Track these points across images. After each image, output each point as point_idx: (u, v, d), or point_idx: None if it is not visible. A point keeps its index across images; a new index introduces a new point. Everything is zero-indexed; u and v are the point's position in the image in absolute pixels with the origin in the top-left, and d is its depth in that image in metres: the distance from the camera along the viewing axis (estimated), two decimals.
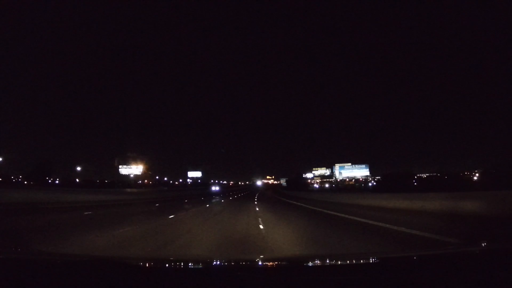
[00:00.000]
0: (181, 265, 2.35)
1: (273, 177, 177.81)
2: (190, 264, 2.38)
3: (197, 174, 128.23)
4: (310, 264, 2.35)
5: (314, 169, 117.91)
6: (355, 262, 2.43)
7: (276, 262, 2.46)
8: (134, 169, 79.40)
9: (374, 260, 2.31)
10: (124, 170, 79.35)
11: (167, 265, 2.36)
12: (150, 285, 1.69)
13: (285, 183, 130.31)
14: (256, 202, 28.94)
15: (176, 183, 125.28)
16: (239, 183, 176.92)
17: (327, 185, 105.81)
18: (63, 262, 2.13)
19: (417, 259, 2.19)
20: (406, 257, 2.34)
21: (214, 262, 2.50)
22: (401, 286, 1.66)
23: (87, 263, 2.06)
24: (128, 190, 51.93)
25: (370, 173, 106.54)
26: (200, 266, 2.31)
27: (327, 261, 2.66)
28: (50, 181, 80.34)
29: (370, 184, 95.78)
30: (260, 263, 2.47)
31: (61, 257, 2.61)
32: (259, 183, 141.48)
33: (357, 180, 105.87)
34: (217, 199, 36.55)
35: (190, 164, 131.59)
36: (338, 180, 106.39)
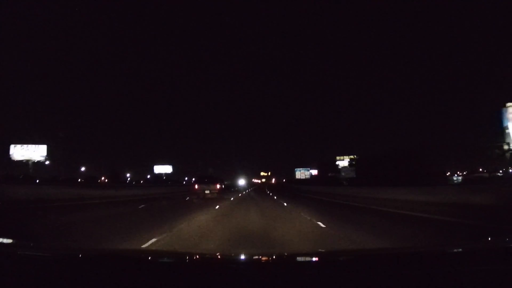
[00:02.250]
0: (184, 259, 2.35)
1: (268, 173, 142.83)
2: (194, 257, 2.43)
3: (167, 169, 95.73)
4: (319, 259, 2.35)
5: (338, 158, 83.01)
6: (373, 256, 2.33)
7: (280, 259, 2.43)
8: (32, 152, 45.64)
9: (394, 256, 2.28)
10: (18, 152, 45.59)
11: (171, 259, 2.40)
12: (157, 278, 1.70)
13: (349, 168, 62.52)
14: None
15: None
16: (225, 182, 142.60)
17: None
18: (77, 256, 2.20)
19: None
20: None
21: (219, 258, 2.63)
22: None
23: (97, 257, 2.17)
24: None
25: None
26: (207, 261, 2.31)
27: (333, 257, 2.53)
28: None
29: None
30: (263, 258, 2.40)
31: (74, 251, 2.62)
32: (242, 182, 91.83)
33: None
34: None
35: (158, 158, 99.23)
36: None
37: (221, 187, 30.94)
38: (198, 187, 27.60)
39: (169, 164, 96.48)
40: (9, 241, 2.51)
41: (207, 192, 26.79)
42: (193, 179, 35.46)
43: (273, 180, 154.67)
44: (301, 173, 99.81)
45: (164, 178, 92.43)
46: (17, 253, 2.15)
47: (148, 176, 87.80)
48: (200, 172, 54.35)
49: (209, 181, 28.36)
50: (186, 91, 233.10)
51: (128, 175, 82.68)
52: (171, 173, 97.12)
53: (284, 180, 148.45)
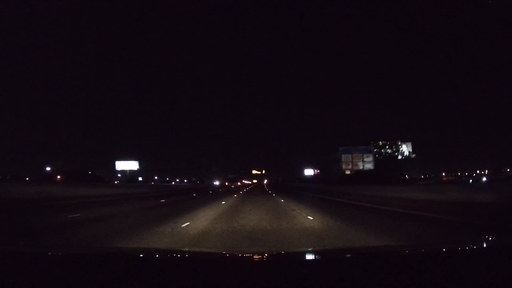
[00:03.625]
0: (185, 257, 2.40)
1: (262, 171, 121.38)
2: (194, 256, 2.47)
3: (132, 165, 74.46)
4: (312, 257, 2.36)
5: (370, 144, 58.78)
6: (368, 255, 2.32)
7: (278, 257, 2.46)
8: None
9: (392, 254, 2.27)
10: None
11: (174, 257, 2.40)
12: (159, 276, 1.71)
13: None
14: None
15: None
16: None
17: None
18: (76, 256, 2.20)
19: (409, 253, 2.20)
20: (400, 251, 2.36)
21: (222, 255, 2.62)
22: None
23: (99, 256, 2.16)
24: None
25: None
26: (208, 259, 2.34)
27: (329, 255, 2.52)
28: None
29: None
30: (260, 257, 2.34)
31: (74, 250, 2.64)
32: (216, 183, 71.18)
33: None
34: None
35: (121, 152, 78.74)
36: None
37: (241, 184, 59.71)
38: (228, 184, 55.79)
39: (135, 159, 75.06)
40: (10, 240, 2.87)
41: (232, 186, 53.20)
42: (226, 178, 58.69)
43: (266, 180, 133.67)
44: (355, 158, 56.97)
45: (118, 176, 71.17)
46: (16, 251, 2.14)
47: (90, 172, 65.71)
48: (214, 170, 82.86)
49: (234, 180, 59.14)
50: (160, 80, 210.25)
51: (48, 168, 60.16)
52: (138, 170, 75.80)
53: (279, 180, 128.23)
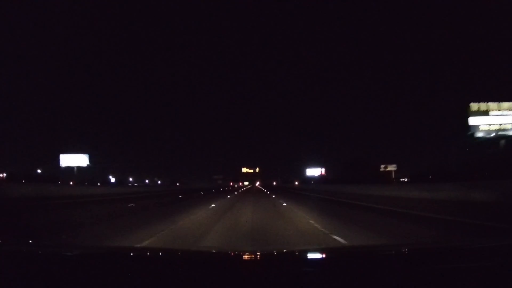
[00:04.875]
0: (185, 255, 2.43)
1: (256, 170, 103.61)
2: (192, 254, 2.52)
3: (80, 160, 56.27)
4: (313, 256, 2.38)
5: (474, 108, 29.38)
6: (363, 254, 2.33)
7: (275, 255, 2.49)
8: None
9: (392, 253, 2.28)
10: None
11: (175, 255, 2.46)
12: (157, 274, 1.73)
13: None
14: None
15: None
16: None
17: None
18: (73, 254, 2.22)
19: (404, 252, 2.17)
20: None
21: (221, 253, 2.69)
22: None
23: (96, 255, 2.17)
24: None
25: None
26: (207, 257, 2.35)
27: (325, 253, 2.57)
28: None
29: None
30: (257, 255, 2.35)
31: (72, 249, 2.65)
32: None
33: None
34: None
35: (69, 145, 61.25)
36: None
37: (242, 184, 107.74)
38: (232, 183, 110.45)
39: (84, 152, 56.55)
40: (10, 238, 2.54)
41: (235, 186, 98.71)
42: (231, 179, 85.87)
43: (258, 183, 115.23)
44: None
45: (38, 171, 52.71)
46: (19, 250, 2.16)
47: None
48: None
49: (237, 180, 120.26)
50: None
51: None
52: (88, 166, 57.26)
53: (274, 183, 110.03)
